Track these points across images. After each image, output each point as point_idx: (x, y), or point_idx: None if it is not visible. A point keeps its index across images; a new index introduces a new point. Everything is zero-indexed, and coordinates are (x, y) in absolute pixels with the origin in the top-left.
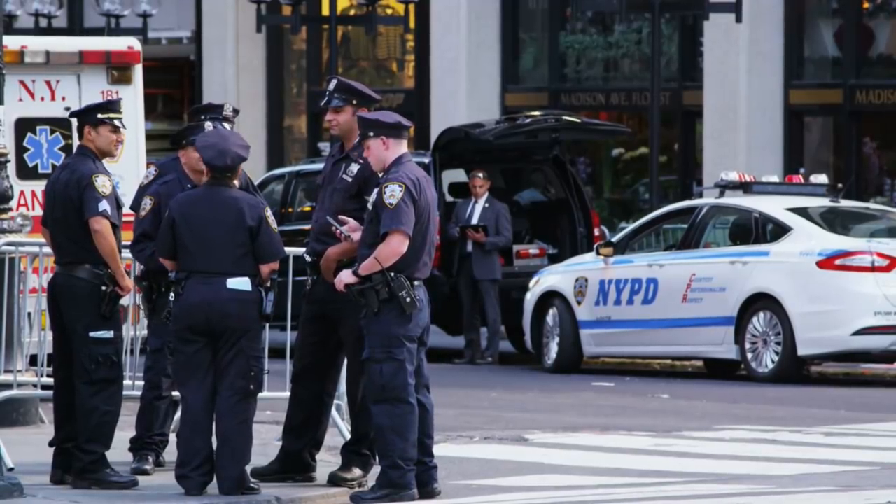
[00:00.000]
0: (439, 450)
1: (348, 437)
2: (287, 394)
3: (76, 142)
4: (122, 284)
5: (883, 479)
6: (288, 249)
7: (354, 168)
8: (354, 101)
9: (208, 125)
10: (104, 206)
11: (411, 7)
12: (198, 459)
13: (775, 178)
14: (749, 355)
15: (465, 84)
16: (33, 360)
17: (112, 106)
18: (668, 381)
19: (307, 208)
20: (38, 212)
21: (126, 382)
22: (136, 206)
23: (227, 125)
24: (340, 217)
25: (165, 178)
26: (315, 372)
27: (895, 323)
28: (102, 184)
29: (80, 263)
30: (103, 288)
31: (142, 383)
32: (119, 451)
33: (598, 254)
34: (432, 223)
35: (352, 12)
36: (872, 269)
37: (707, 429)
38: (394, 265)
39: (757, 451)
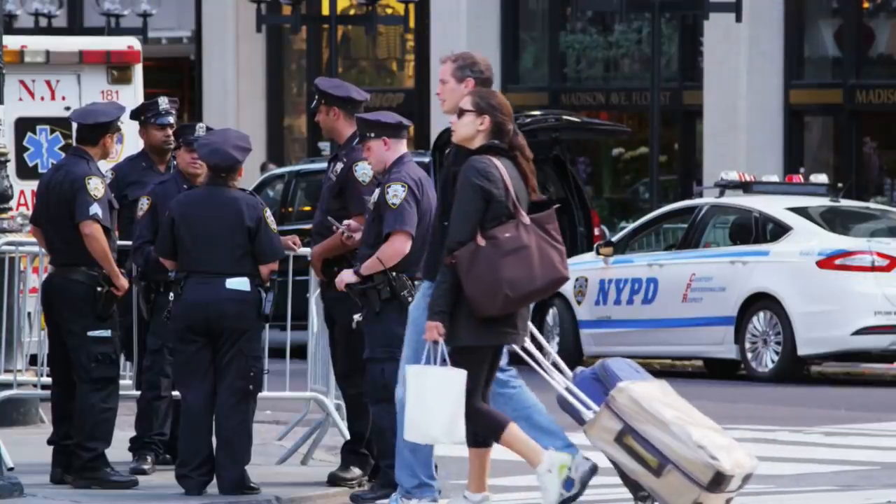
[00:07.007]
0: (439, 449)
1: (348, 436)
2: (287, 393)
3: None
4: (118, 284)
5: (883, 479)
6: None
7: (339, 167)
8: (323, 101)
9: (200, 126)
10: (95, 209)
11: (411, 7)
12: (198, 459)
13: (775, 178)
14: (749, 355)
15: None
16: (33, 360)
17: None
18: (668, 381)
19: (307, 208)
20: None
21: (126, 382)
22: None
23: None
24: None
25: (163, 178)
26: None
27: (895, 322)
28: (95, 186)
29: (76, 265)
30: (99, 289)
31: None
32: (119, 451)
33: (598, 253)
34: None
35: (352, 12)
36: (872, 268)
37: None
38: (395, 265)
39: (757, 451)
